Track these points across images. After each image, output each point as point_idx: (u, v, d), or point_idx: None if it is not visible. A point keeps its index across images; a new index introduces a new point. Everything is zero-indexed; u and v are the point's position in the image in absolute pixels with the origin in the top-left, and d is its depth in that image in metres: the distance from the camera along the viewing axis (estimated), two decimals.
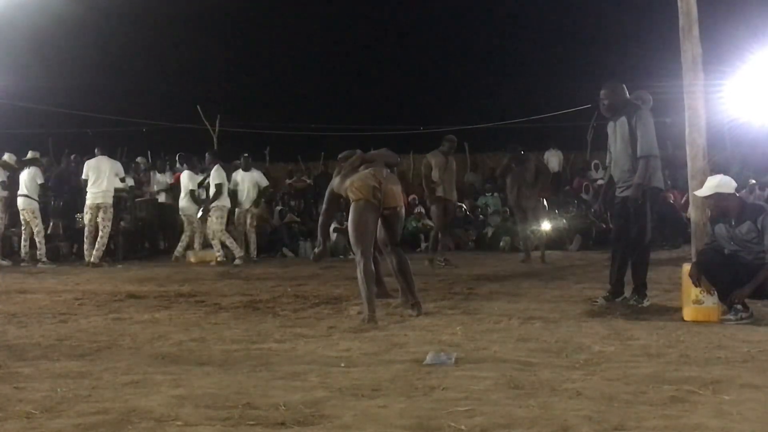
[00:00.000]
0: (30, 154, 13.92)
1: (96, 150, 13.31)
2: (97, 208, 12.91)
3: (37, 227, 13.35)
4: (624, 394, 3.93)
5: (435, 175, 11.92)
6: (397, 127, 20.58)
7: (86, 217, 13.05)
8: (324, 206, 7.60)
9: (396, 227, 6.91)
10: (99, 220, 12.91)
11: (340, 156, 7.43)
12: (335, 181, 7.21)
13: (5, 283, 10.25)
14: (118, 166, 13.36)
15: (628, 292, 7.27)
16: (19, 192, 13.34)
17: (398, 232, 6.96)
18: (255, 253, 14.10)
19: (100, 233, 12.96)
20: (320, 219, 7.66)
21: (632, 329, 5.90)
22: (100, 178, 12.94)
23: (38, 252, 13.25)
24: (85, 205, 13.04)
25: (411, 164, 20.41)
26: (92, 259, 12.82)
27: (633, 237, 7.17)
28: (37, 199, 13.33)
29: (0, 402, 3.94)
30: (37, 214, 13.35)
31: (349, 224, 6.76)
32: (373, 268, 6.70)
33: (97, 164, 13.06)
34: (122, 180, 13.42)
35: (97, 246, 12.93)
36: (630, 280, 7.28)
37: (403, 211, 7.21)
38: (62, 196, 13.58)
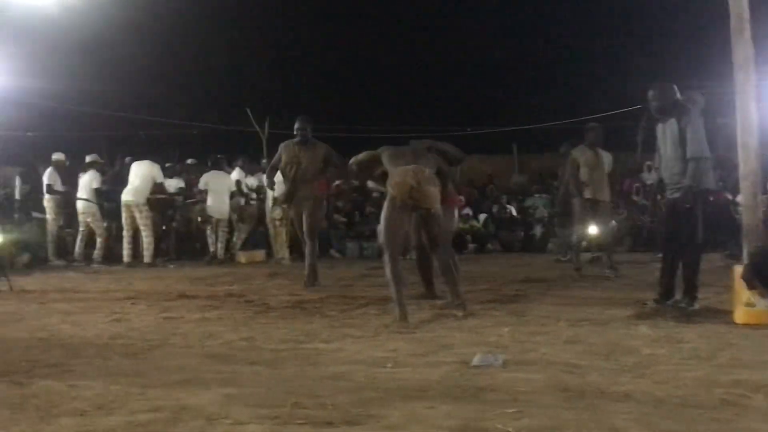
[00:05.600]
0: (89, 158, 14.22)
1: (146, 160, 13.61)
2: (128, 207, 13.14)
3: (99, 229, 13.61)
4: (673, 398, 3.89)
5: (584, 174, 10.63)
6: (443, 128, 20.54)
7: (123, 217, 13.30)
8: (380, 184, 7.66)
9: (433, 228, 6.88)
10: (138, 220, 13.16)
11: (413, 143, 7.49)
12: (386, 153, 7.21)
13: (60, 283, 10.45)
14: (157, 170, 13.57)
15: (678, 294, 7.18)
16: (79, 195, 13.61)
17: (437, 233, 6.91)
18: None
19: (143, 233, 13.19)
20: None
21: (682, 332, 5.84)
22: (136, 179, 13.20)
23: (96, 252, 13.48)
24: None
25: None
26: (144, 260, 13.10)
27: (684, 239, 7.09)
28: (96, 202, 13.58)
29: (54, 399, 4.03)
30: (98, 216, 13.60)
31: (381, 222, 6.81)
32: (400, 270, 6.69)
33: (138, 166, 13.36)
34: (159, 185, 13.56)
35: (145, 246, 13.21)
36: (680, 282, 7.20)
37: (455, 211, 7.27)
38: (116, 198, 13.79)
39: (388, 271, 6.60)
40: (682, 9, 19.13)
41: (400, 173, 6.66)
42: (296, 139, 9.84)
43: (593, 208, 10.65)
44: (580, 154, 10.77)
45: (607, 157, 10.84)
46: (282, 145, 10.01)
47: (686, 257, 7.13)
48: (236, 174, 14.70)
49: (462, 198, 17.10)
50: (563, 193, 12.83)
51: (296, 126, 9.82)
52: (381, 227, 6.80)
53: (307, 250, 9.72)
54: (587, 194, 10.59)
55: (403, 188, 6.57)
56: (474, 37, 23.71)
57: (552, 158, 16.54)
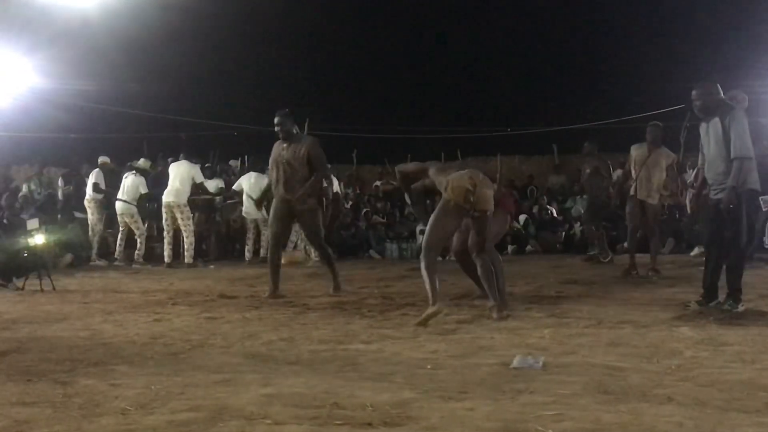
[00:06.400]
0: (142, 162, 14.43)
1: (181, 155, 13.71)
2: (169, 207, 13.24)
3: (139, 230, 13.79)
4: (717, 401, 3.83)
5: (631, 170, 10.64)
6: (483, 128, 20.47)
7: (163, 217, 13.41)
8: (413, 198, 7.70)
9: (482, 229, 6.89)
10: (179, 221, 13.25)
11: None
12: (434, 167, 7.23)
13: (102, 283, 10.58)
14: (196, 170, 13.63)
15: (722, 296, 7.09)
16: (118, 196, 13.78)
17: (485, 236, 6.92)
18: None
19: (184, 234, 13.30)
20: (413, 203, 7.86)
21: (726, 334, 5.75)
22: (176, 179, 13.29)
23: (136, 252, 13.65)
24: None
25: (498, 166, 20.18)
26: (185, 260, 13.22)
27: (727, 240, 6.99)
28: (135, 204, 13.74)
29: (96, 398, 4.07)
30: (137, 218, 13.78)
31: (429, 221, 6.86)
32: (435, 261, 6.73)
33: (176, 167, 13.45)
34: (200, 185, 13.61)
35: (186, 247, 13.31)
36: (724, 284, 7.09)
37: (507, 215, 7.46)
38: (157, 198, 13.95)
39: (423, 264, 6.64)
40: (726, 9, 18.87)
41: (457, 178, 6.73)
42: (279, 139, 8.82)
43: (642, 206, 10.48)
44: (635, 151, 10.63)
45: (667, 158, 10.59)
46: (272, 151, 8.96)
47: (730, 259, 7.04)
48: None
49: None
50: (591, 191, 12.89)
51: (274, 122, 8.73)
52: (429, 224, 6.84)
53: (320, 259, 9.38)
54: (631, 191, 10.50)
55: (461, 191, 6.63)
56: (515, 38, 23.60)
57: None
